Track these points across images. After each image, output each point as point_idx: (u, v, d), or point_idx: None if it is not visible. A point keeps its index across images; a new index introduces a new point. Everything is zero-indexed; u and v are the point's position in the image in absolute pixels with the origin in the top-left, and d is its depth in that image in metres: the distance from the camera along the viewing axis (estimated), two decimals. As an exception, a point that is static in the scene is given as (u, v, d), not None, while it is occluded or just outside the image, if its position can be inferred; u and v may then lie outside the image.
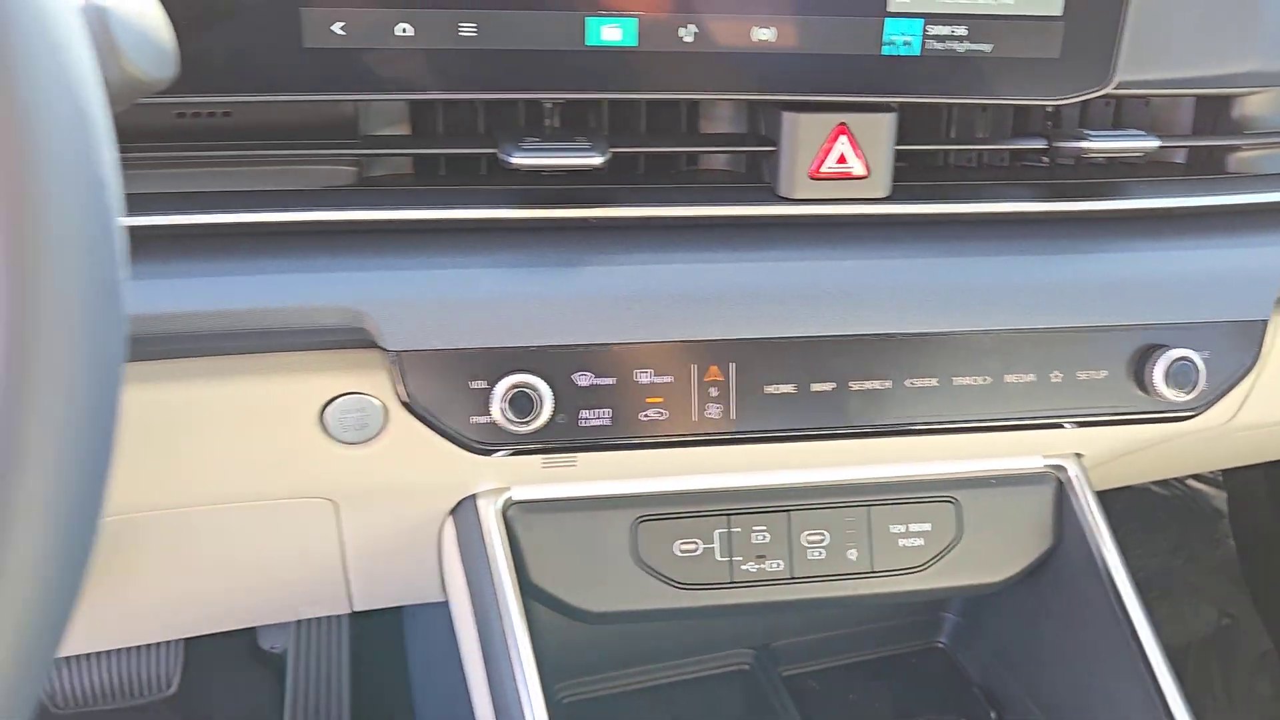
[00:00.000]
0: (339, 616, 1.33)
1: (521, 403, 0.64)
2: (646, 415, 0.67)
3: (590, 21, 0.61)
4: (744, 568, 0.80)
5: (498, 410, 0.64)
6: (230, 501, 0.73)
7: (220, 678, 1.31)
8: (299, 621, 1.31)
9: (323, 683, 1.29)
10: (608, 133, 0.69)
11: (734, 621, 0.94)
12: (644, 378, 0.66)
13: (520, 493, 0.77)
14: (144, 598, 0.81)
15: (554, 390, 0.64)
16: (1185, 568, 1.64)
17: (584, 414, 0.66)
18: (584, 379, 0.66)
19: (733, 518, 0.80)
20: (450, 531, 0.80)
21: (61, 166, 0.29)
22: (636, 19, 0.62)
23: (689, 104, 0.71)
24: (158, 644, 1.22)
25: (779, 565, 0.80)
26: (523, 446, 0.66)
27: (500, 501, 0.76)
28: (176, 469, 0.69)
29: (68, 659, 1.15)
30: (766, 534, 0.80)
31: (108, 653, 1.18)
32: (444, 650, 1.18)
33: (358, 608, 0.97)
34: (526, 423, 0.64)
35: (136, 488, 0.70)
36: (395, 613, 1.32)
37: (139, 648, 1.21)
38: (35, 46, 0.29)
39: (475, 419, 0.65)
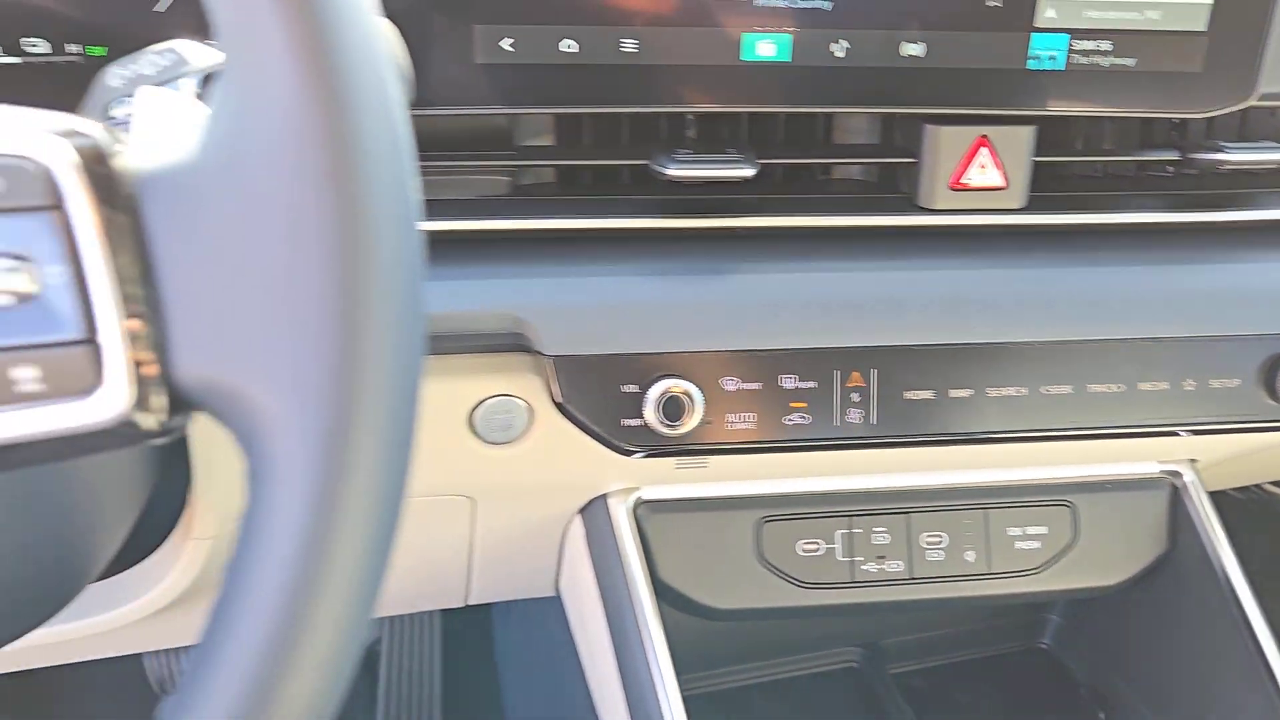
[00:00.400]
0: (432, 612, 1.35)
1: (673, 407, 0.66)
2: (790, 419, 0.69)
3: (746, 38, 0.63)
4: (864, 568, 0.82)
5: (651, 413, 0.66)
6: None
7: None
8: (390, 617, 1.34)
9: (414, 677, 1.31)
10: (747, 143, 0.71)
11: (841, 619, 0.95)
12: (788, 383, 0.68)
13: (649, 492, 0.79)
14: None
15: (704, 395, 0.66)
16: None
17: (730, 417, 0.68)
18: (731, 384, 0.67)
19: (854, 518, 0.81)
20: (578, 529, 0.82)
21: (385, 192, 0.31)
22: (791, 35, 0.64)
23: (824, 115, 0.73)
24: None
25: (899, 566, 0.82)
26: (671, 449, 0.68)
27: (631, 501, 0.78)
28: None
29: (185, 649, 1.18)
30: (887, 535, 0.82)
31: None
32: (539, 646, 1.21)
33: (472, 601, 1.00)
34: (677, 426, 0.66)
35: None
36: (484, 609, 1.34)
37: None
38: (366, 77, 0.31)
39: (626, 421, 0.67)
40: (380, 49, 0.32)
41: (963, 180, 0.69)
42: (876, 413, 0.69)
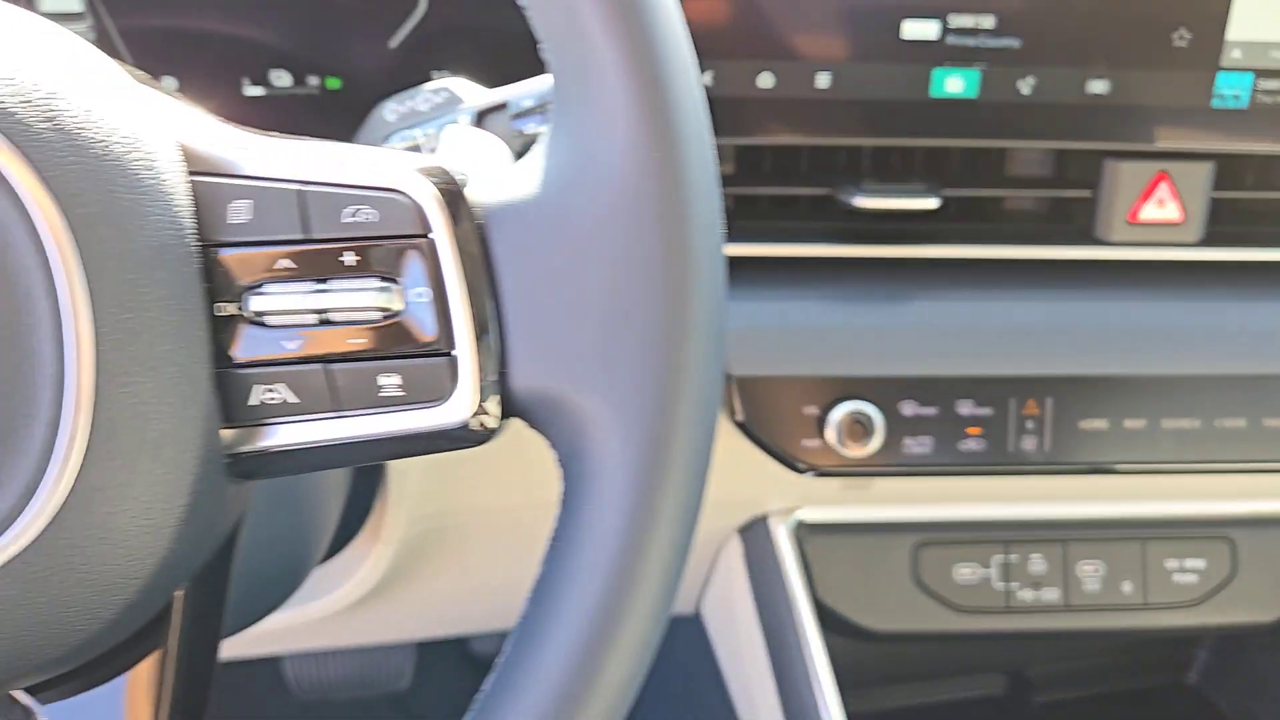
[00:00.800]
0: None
1: (855, 429, 0.68)
2: (965, 444, 0.70)
3: (936, 73, 0.66)
4: (1020, 595, 0.82)
5: (833, 434, 0.68)
6: (539, 506, 0.79)
7: (437, 678, 1.38)
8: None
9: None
10: (922, 173, 0.73)
11: (985, 646, 0.96)
12: (965, 409, 0.70)
13: (808, 514, 0.81)
14: (450, 592, 0.87)
15: (884, 417, 0.68)
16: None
17: (907, 441, 0.70)
18: (909, 408, 0.69)
19: (1011, 545, 0.82)
20: (735, 548, 0.84)
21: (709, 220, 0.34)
22: (979, 72, 0.66)
23: (999, 147, 0.74)
24: (393, 644, 1.29)
25: (1055, 594, 0.82)
26: (851, 470, 0.70)
27: (791, 522, 0.80)
28: (505, 476, 0.75)
29: (319, 654, 1.23)
30: (1044, 563, 0.82)
31: (349, 649, 1.26)
32: (664, 667, 1.23)
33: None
34: (858, 448, 0.68)
35: (470, 493, 0.76)
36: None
37: (377, 648, 1.28)
38: (692, 120, 0.34)
39: (806, 442, 0.69)
40: (700, 93, 0.35)
41: (1140, 214, 0.70)
42: (1051, 440, 0.70)
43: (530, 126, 0.45)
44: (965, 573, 0.82)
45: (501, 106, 0.46)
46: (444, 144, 0.42)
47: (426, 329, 0.34)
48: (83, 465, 0.31)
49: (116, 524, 0.32)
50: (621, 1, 0.33)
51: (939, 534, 0.82)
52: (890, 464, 0.70)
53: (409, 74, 0.63)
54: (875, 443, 0.68)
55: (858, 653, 0.89)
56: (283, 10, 0.61)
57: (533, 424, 0.36)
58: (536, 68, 0.64)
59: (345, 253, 0.33)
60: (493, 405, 0.35)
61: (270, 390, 0.34)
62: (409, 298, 0.34)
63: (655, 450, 0.33)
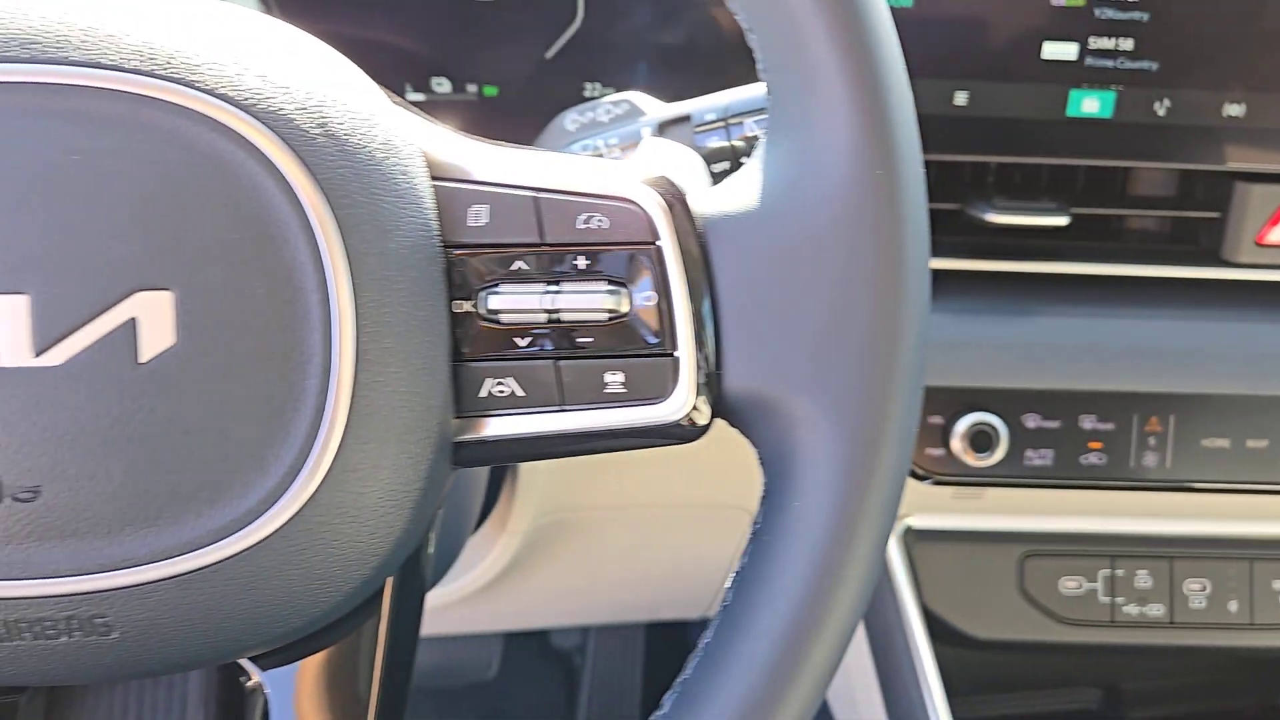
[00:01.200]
0: (636, 625, 1.41)
1: (981, 439, 0.69)
2: (1086, 458, 0.71)
3: (1073, 94, 0.67)
4: (1125, 609, 0.83)
5: (959, 444, 0.70)
6: (664, 505, 0.81)
7: (519, 670, 1.41)
8: (598, 628, 1.39)
9: (616, 690, 1.36)
10: (1047, 190, 0.74)
11: (1079, 658, 0.97)
12: (1087, 423, 0.71)
13: (917, 521, 0.82)
14: (568, 584, 0.90)
15: (1009, 429, 0.70)
16: None
17: (1029, 453, 0.71)
18: (1032, 421, 0.71)
19: (1116, 560, 0.83)
20: (841, 551, 0.86)
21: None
22: (1115, 93, 0.67)
23: (1124, 166, 0.75)
24: (482, 634, 1.33)
25: (1160, 610, 0.83)
26: (974, 479, 0.71)
27: (901, 528, 0.82)
28: (632, 475, 0.78)
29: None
30: (1149, 578, 0.83)
31: (439, 638, 1.29)
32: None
33: (712, 614, 1.04)
34: (983, 458, 0.69)
35: (597, 489, 0.78)
36: (683, 627, 1.39)
37: (467, 637, 1.31)
38: (908, 137, 0.36)
39: (930, 451, 0.71)
40: (912, 109, 0.37)
41: (1268, 237, 0.71)
42: (1172, 457, 0.71)
43: (713, 140, 0.47)
44: (1071, 585, 0.83)
45: (684, 119, 0.48)
46: (641, 155, 0.44)
47: (651, 330, 0.36)
48: (340, 447, 0.33)
49: (364, 503, 0.34)
50: (846, 22, 0.35)
51: (1046, 545, 0.83)
52: (1011, 475, 0.71)
53: (561, 84, 0.66)
54: (998, 454, 0.70)
55: (957, 659, 0.90)
56: (446, 22, 0.64)
57: (737, 423, 0.38)
58: (682, 82, 0.67)
59: (578, 257, 0.36)
60: (706, 405, 0.37)
61: (500, 383, 0.36)
62: (636, 300, 0.36)
63: (867, 452, 0.35)
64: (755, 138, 0.47)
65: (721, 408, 0.37)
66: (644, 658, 1.39)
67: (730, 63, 0.66)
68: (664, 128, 0.49)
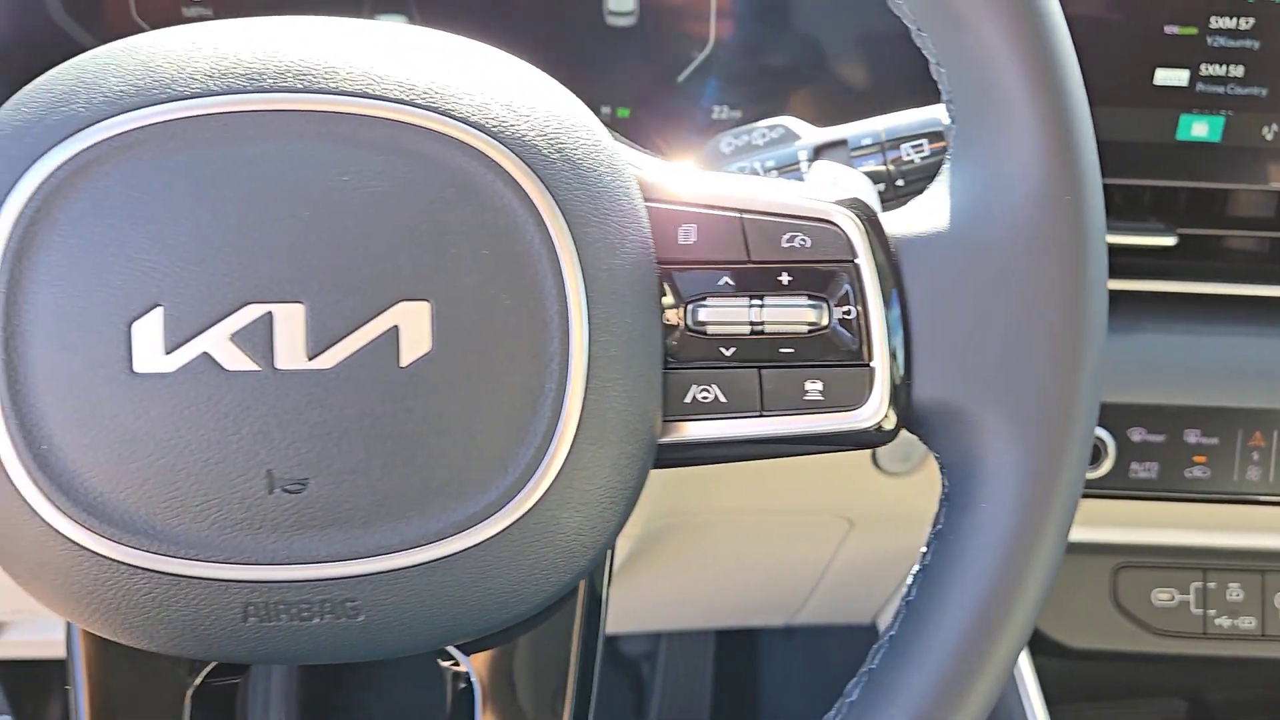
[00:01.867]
0: (707, 632, 1.43)
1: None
2: (1190, 472, 0.73)
3: (1184, 118, 0.69)
4: (1217, 622, 0.85)
5: (1066, 456, 0.72)
6: (767, 510, 0.84)
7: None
8: (669, 634, 1.42)
9: (686, 695, 1.39)
10: (1148, 211, 0.76)
11: (1164, 667, 0.98)
12: (1192, 437, 0.73)
13: (1012, 531, 0.84)
14: (668, 588, 0.92)
15: (1115, 442, 0.72)
16: None
17: (1134, 466, 0.73)
18: (1138, 434, 0.73)
19: (1209, 572, 0.85)
20: (935, 560, 0.88)
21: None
22: (1224, 118, 0.69)
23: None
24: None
25: (1251, 623, 0.85)
26: (1084, 492, 0.73)
27: (997, 538, 0.84)
28: (740, 480, 0.80)
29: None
30: (1241, 591, 0.85)
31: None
32: (820, 677, 1.26)
33: (796, 621, 1.07)
34: (1091, 470, 0.72)
35: (706, 494, 0.81)
36: (752, 634, 1.41)
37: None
38: (1092, 164, 0.38)
39: (1036, 462, 0.73)
40: (1093, 137, 0.39)
41: (1370, 258, 0.73)
42: (1275, 471, 0.73)
43: (869, 164, 0.50)
44: (1163, 597, 0.85)
45: (840, 143, 0.51)
46: (820, 178, 0.47)
47: (849, 342, 0.39)
48: (572, 446, 0.36)
49: (588, 499, 0.37)
50: (1039, 60, 0.37)
51: (1139, 557, 0.85)
52: (1117, 487, 0.73)
53: (691, 107, 0.69)
54: (1106, 466, 0.72)
55: (1050, 668, 0.92)
56: (584, 47, 0.67)
57: (920, 430, 0.41)
58: (808, 105, 0.69)
59: (781, 273, 0.39)
60: (893, 414, 0.39)
61: (704, 389, 0.39)
62: (835, 314, 0.39)
63: (1053, 458, 0.38)
64: (910, 162, 0.50)
65: (907, 415, 0.40)
66: (714, 665, 1.41)
67: (855, 86, 0.69)
68: (820, 151, 0.51)
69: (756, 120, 0.62)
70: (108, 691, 0.41)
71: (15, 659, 1.08)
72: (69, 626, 0.41)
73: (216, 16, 0.65)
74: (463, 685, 0.44)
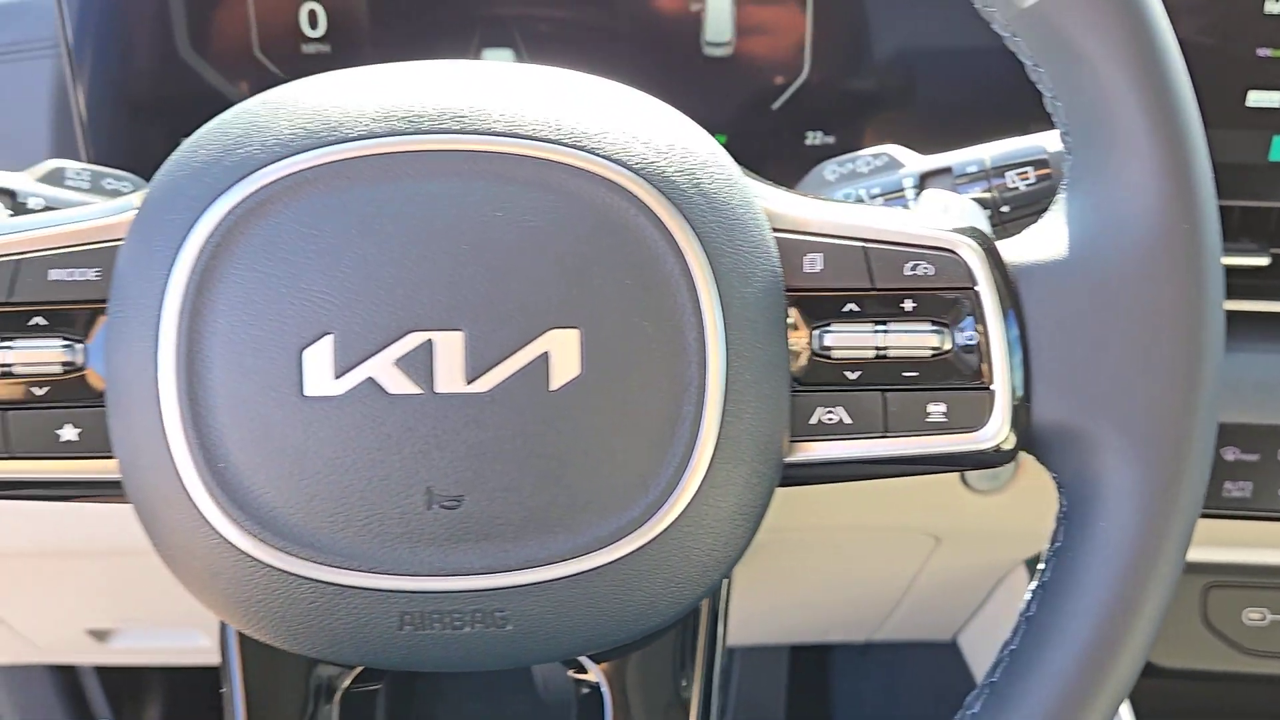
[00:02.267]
0: (780, 648, 1.44)
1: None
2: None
3: (1276, 140, 0.70)
4: (1310, 642, 0.84)
5: (1158, 475, 0.72)
6: (853, 527, 0.85)
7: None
8: (744, 649, 1.43)
9: (759, 710, 1.39)
10: (1237, 231, 0.76)
11: (1260, 688, 0.97)
12: (1288, 456, 0.73)
13: (1098, 549, 0.84)
14: (753, 604, 0.94)
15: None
16: None
17: (1227, 485, 0.73)
18: (1231, 454, 0.73)
19: (1300, 592, 0.85)
20: (1020, 578, 0.88)
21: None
22: (1318, 138, 0.69)
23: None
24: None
25: (1346, 643, 0.84)
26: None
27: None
28: (827, 497, 0.82)
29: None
30: (1334, 612, 0.84)
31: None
32: (900, 696, 1.27)
33: (876, 638, 1.07)
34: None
35: (795, 511, 0.82)
36: (824, 650, 1.41)
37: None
38: (1209, 190, 0.40)
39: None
40: (1210, 167, 0.40)
41: None
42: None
43: (974, 191, 0.51)
44: (1254, 616, 0.85)
45: (945, 171, 0.52)
46: (934, 206, 0.48)
47: (971, 366, 0.40)
48: (709, 466, 0.38)
49: (721, 516, 0.39)
50: (1158, 94, 0.39)
51: (1229, 576, 0.84)
52: (1210, 507, 0.73)
53: (785, 133, 0.70)
54: (1200, 484, 0.72)
55: (1139, 688, 0.92)
56: (681, 76, 0.70)
57: (1038, 450, 0.42)
58: (903, 131, 0.71)
59: (905, 300, 0.40)
60: (1013, 435, 0.41)
61: (830, 412, 0.41)
62: (957, 339, 0.40)
63: (1172, 479, 0.39)
64: (1015, 189, 0.51)
65: (1027, 436, 0.41)
66: (788, 680, 1.41)
67: (948, 112, 0.70)
68: (925, 178, 0.53)
69: (849, 145, 0.64)
70: (263, 694, 0.44)
71: (118, 665, 1.12)
72: (225, 633, 0.44)
73: (334, 53, 0.68)
74: (585, 691, 0.46)
